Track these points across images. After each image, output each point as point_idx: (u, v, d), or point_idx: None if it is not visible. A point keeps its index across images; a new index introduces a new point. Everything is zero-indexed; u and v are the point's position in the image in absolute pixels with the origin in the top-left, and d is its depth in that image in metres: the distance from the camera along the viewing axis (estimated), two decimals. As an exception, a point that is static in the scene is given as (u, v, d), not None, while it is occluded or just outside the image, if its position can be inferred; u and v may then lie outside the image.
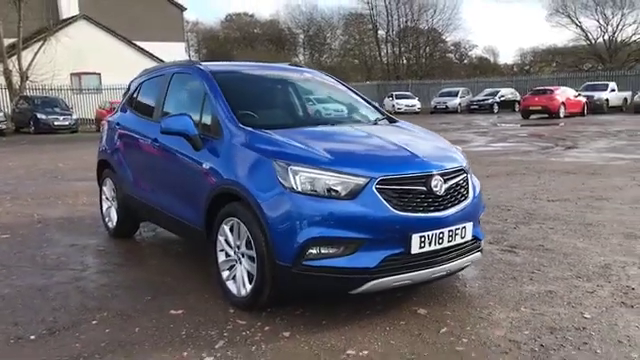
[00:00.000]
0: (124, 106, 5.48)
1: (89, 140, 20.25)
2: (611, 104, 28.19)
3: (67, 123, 23.34)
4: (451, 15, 50.66)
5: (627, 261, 4.33)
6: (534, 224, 5.58)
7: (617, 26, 51.26)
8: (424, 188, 3.25)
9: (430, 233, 3.20)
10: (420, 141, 3.86)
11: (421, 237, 3.17)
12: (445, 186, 3.34)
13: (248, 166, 3.42)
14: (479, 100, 33.44)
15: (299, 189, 3.15)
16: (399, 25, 52.33)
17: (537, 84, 33.48)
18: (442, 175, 3.36)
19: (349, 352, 2.93)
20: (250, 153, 3.47)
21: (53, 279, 4.28)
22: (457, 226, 3.33)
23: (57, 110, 23.87)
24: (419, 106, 35.44)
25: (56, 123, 22.99)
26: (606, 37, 52.20)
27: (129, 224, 5.37)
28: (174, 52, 35.33)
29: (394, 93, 37.30)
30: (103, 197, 5.67)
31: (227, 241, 3.61)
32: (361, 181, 3.14)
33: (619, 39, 51.72)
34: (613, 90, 28.98)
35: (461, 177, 3.52)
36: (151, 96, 4.93)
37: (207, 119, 3.96)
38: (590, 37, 53.17)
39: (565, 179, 8.42)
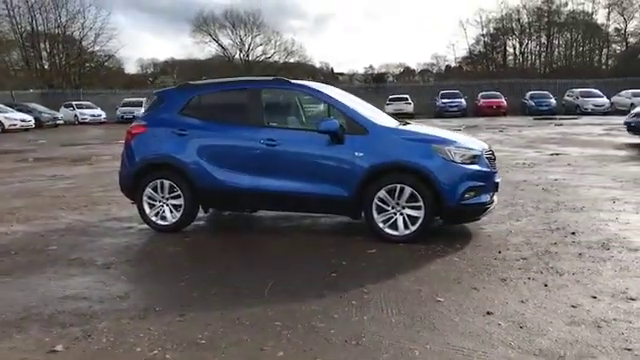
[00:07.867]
0: (173, 114, 6.09)
1: None
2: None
3: None
4: (102, 25, 50.37)
5: (548, 198, 7.73)
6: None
7: (249, 46, 60.59)
8: (493, 157, 5.89)
9: (499, 180, 5.86)
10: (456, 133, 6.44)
11: (499, 182, 5.81)
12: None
13: (411, 149, 5.41)
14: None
15: (456, 160, 5.37)
16: (44, 31, 49.37)
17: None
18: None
19: (499, 249, 5.32)
20: (408, 142, 5.46)
21: (225, 267, 5.14)
22: (499, 177, 6.08)
23: None
24: (104, 116, 35.14)
25: None
26: (242, 55, 60.93)
27: (192, 216, 6.15)
28: None
29: (74, 103, 35.68)
30: (145, 199, 6.08)
31: (383, 201, 5.44)
32: (479, 153, 5.57)
33: (251, 57, 61.16)
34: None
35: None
36: (234, 107, 6.02)
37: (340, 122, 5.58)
38: (228, 54, 61.09)
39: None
